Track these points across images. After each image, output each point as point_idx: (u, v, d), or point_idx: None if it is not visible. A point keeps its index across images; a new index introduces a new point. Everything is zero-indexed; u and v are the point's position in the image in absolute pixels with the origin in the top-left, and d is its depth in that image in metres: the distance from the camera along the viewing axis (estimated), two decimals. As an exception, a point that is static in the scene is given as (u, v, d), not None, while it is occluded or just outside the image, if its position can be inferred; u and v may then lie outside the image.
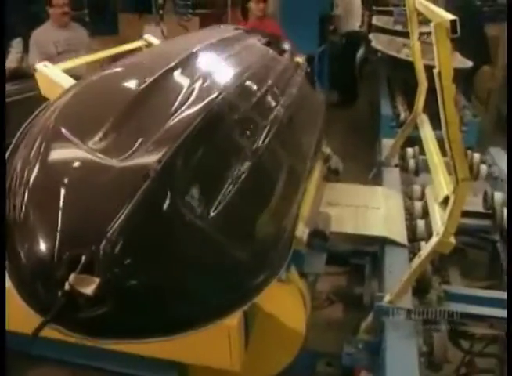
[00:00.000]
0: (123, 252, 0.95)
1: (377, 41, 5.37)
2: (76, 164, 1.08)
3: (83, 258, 0.92)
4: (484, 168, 2.61)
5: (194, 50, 1.68)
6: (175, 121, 1.22)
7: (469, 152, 2.71)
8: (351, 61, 6.94)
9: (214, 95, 1.36)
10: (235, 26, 2.67)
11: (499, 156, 2.73)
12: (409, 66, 2.50)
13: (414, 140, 2.63)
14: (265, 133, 1.42)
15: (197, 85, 1.41)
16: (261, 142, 1.38)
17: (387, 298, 1.55)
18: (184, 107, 1.28)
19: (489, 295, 1.76)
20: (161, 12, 4.83)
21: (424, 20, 2.12)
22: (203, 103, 1.31)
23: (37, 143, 1.16)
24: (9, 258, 1.01)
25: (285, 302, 1.53)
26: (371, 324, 1.61)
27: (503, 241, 2.07)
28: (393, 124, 3.99)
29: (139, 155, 1.08)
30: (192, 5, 6.12)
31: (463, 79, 5.21)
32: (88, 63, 2.12)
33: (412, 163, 2.67)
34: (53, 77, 1.73)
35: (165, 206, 1.02)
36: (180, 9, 5.99)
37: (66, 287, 0.91)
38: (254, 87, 1.63)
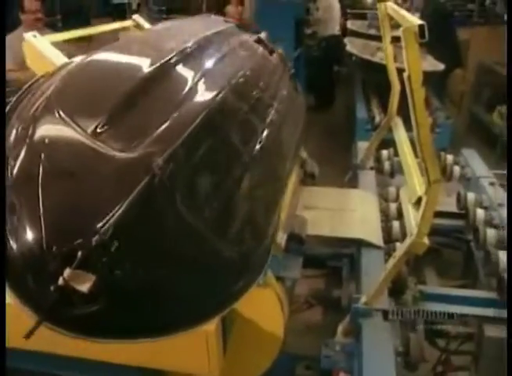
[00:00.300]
0: (120, 249, 0.92)
1: (352, 45, 5.43)
2: (74, 150, 1.03)
3: (79, 253, 0.89)
4: (457, 169, 2.66)
5: (193, 42, 1.62)
6: (179, 116, 1.19)
7: (442, 153, 2.76)
8: (330, 65, 6.99)
9: (215, 94, 1.33)
10: (225, 18, 2.60)
11: (472, 157, 2.78)
12: (383, 69, 2.52)
13: (389, 142, 2.66)
14: (260, 137, 1.43)
15: (198, 81, 1.38)
16: (257, 146, 1.39)
17: (363, 299, 1.56)
18: (186, 103, 1.26)
19: (464, 294, 1.79)
20: (135, 17, 4.81)
21: (397, 25, 2.15)
22: (205, 100, 1.30)
23: (31, 124, 1.09)
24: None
25: (262, 307, 1.53)
26: (348, 326, 1.62)
27: (476, 241, 2.10)
28: (368, 127, 4.03)
29: (142, 148, 1.04)
30: (166, 10, 6.11)
31: (437, 82, 5.32)
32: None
33: (387, 165, 2.69)
34: (41, 48, 1.66)
35: (165, 203, 1.01)
36: (154, 15, 5.98)
37: (60, 282, 0.88)
38: (251, 88, 1.62)
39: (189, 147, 1.11)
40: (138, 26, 2.26)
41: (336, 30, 6.99)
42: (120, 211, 0.92)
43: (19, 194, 0.97)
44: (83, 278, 0.89)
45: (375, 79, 4.99)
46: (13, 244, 0.93)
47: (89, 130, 1.05)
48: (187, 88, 1.32)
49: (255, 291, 1.32)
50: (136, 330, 1.03)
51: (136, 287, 0.98)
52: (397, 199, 2.31)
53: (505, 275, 1.73)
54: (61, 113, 1.09)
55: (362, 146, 2.84)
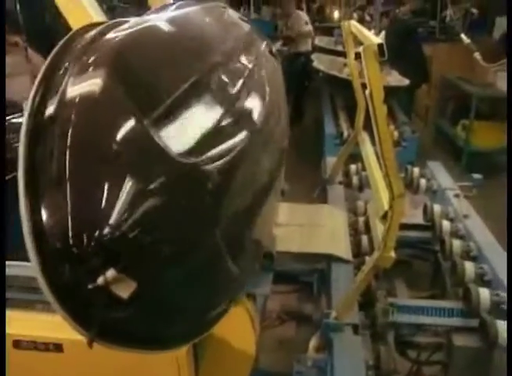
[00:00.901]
0: (162, 259, 0.90)
1: (319, 61, 5.53)
2: (129, 135, 0.90)
3: (126, 256, 0.84)
4: (423, 181, 2.71)
5: (232, 44, 1.51)
6: (231, 130, 1.15)
7: (409, 166, 2.82)
8: (303, 80, 7.07)
9: (258, 111, 1.34)
10: (239, 15, 2.49)
11: (438, 170, 2.85)
12: (350, 85, 2.58)
13: (358, 157, 2.70)
14: (278, 161, 1.48)
15: (244, 94, 1.33)
16: (275, 170, 1.43)
17: (334, 314, 1.57)
18: (235, 117, 1.21)
19: (432, 305, 1.82)
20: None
21: (361, 42, 2.20)
22: (252, 118, 1.30)
23: (83, 91, 0.92)
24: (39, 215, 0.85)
25: (233, 325, 1.52)
26: (319, 341, 1.62)
27: (443, 252, 2.15)
28: (337, 142, 4.08)
29: (198, 158, 0.98)
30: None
31: (404, 96, 5.46)
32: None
33: (355, 179, 2.73)
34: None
35: (208, 221, 0.99)
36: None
37: (100, 281, 0.81)
38: (278, 106, 1.65)
39: (236, 168, 1.10)
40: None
41: (309, 45, 7.11)
42: (171, 223, 0.90)
43: (67, 172, 0.86)
44: (125, 283, 0.83)
45: (343, 94, 5.09)
46: (56, 222, 0.84)
47: (148, 116, 0.93)
48: (234, 100, 1.26)
49: (225, 310, 1.32)
50: (151, 340, 1.01)
51: (166, 298, 0.96)
52: (365, 213, 2.34)
53: (471, 285, 1.77)
54: (118, 85, 0.94)
55: (331, 160, 2.88)
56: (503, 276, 1.79)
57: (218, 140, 1.07)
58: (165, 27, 1.21)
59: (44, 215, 0.85)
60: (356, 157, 2.72)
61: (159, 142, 0.91)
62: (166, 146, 0.92)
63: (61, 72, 0.96)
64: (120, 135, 0.89)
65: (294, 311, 2.36)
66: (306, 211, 2.31)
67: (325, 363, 1.55)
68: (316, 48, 6.77)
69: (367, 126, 2.50)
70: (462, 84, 5.78)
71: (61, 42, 1.01)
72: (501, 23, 6.16)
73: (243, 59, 1.49)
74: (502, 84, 5.32)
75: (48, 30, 6.38)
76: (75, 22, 1.33)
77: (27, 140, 0.87)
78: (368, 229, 2.15)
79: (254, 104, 1.36)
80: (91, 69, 0.95)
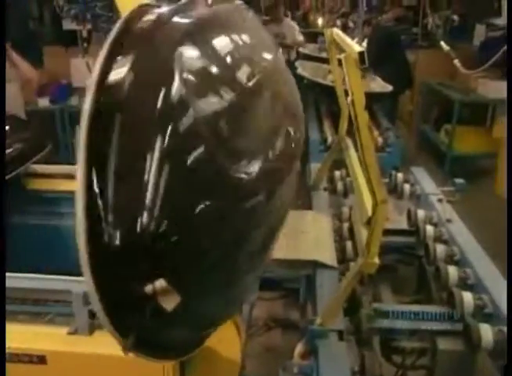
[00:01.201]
0: (210, 277, 0.90)
1: (303, 68, 5.55)
2: (196, 143, 0.86)
3: (177, 269, 0.82)
4: (407, 187, 2.74)
5: (267, 54, 1.46)
6: (277, 152, 1.16)
7: (393, 172, 2.84)
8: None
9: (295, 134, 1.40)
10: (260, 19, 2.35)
11: (421, 175, 2.88)
12: (334, 91, 2.60)
13: (343, 163, 2.71)
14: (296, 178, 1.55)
15: (280, 105, 1.33)
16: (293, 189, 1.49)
17: (318, 320, 1.58)
18: (279, 136, 1.23)
19: (416, 309, 1.83)
20: (85, 45, 4.75)
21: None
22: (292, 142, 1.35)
23: (149, 80, 0.87)
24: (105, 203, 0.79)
25: (219, 332, 1.52)
26: (305, 348, 1.62)
27: (427, 257, 2.16)
28: (322, 149, 4.09)
29: (251, 173, 0.96)
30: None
31: (389, 102, 5.51)
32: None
33: (340, 185, 2.75)
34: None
35: (251, 238, 1.03)
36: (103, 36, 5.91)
37: (148, 290, 0.78)
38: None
39: (278, 191, 1.15)
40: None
41: (295, 53, 7.14)
42: (227, 241, 0.91)
43: (127, 168, 0.81)
44: (172, 296, 0.80)
45: (327, 101, 5.11)
46: (115, 220, 0.79)
47: (212, 124, 0.89)
48: (275, 116, 1.27)
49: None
50: (170, 350, 1.02)
51: (201, 312, 0.97)
52: (350, 219, 2.35)
53: (454, 289, 1.79)
54: (186, 90, 0.87)
55: (316, 167, 2.89)
56: (486, 279, 1.81)
57: (266, 157, 1.08)
58: (219, 21, 1.20)
59: (104, 211, 0.79)
60: (341, 163, 2.73)
61: (223, 160, 0.89)
62: (225, 159, 0.90)
63: (123, 54, 0.87)
64: (182, 138, 0.84)
65: (280, 318, 2.36)
66: (291, 218, 2.31)
67: (310, 369, 1.55)
68: (300, 55, 6.80)
69: (351, 132, 2.52)
70: (444, 90, 5.86)
71: (120, 23, 0.91)
72: (480, 31, 6.27)
73: (281, 68, 1.54)
74: (483, 90, 5.40)
75: (32, 36, 6.38)
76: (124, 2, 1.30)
77: (88, 127, 0.80)
78: (353, 235, 2.16)
79: (291, 123, 1.40)
80: (159, 56, 0.90)
